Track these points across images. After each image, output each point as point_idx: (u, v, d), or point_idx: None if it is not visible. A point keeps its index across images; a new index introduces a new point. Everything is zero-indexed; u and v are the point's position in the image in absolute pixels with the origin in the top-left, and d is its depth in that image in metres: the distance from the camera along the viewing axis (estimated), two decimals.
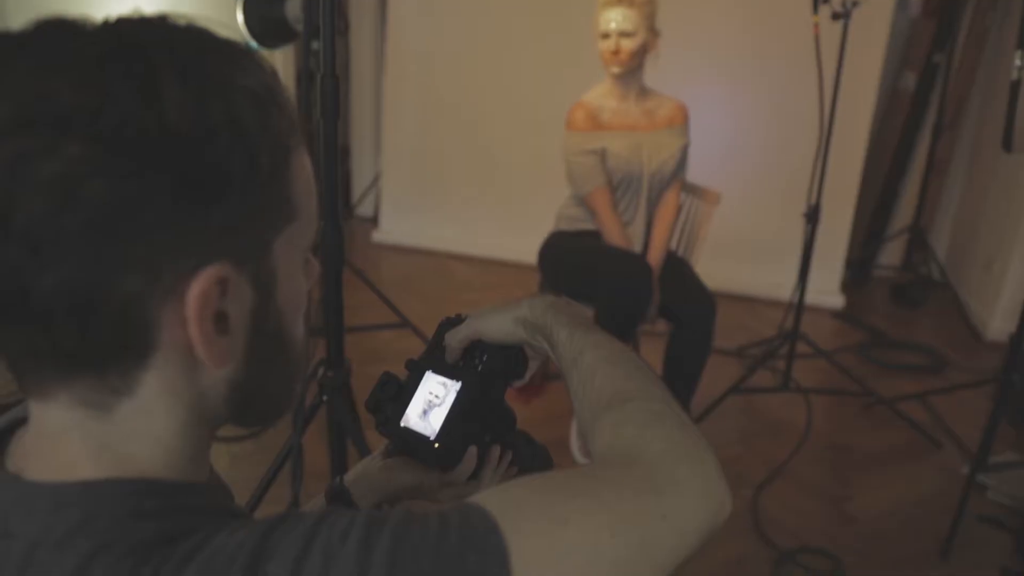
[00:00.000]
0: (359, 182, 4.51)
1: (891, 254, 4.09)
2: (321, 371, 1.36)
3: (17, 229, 0.39)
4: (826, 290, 3.59)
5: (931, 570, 1.90)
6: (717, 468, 0.53)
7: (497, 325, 0.75)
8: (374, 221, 4.26)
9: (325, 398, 1.34)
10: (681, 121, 2.36)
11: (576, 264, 2.32)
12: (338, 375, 1.36)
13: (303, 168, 0.49)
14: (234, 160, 0.44)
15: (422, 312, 2.82)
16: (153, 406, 0.46)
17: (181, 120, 0.41)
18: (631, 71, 2.26)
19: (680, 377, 2.20)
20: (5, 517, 0.45)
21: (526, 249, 2.78)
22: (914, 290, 3.78)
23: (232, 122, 0.43)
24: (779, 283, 3.50)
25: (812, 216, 2.52)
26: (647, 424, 0.56)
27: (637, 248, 2.35)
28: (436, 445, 0.76)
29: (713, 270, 2.47)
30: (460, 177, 3.99)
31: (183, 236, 0.43)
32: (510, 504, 0.47)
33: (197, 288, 0.43)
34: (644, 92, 2.35)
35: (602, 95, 2.34)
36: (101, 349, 0.44)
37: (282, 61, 3.52)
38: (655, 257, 2.29)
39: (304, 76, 2.46)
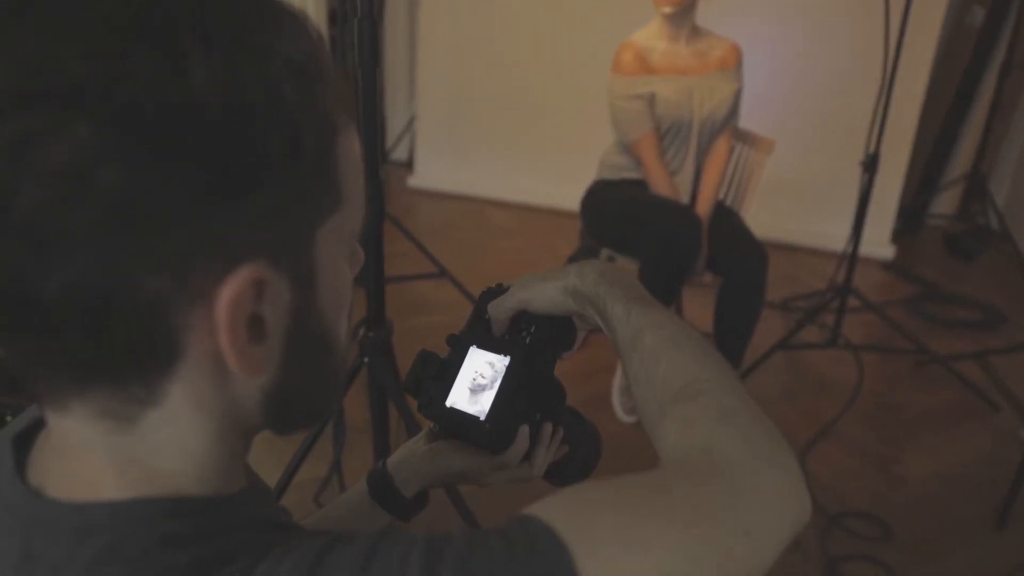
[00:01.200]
0: (393, 125, 4.42)
1: (945, 202, 3.92)
2: (362, 331, 1.32)
3: (16, 223, 0.34)
4: (876, 240, 3.45)
5: (986, 540, 1.84)
6: (798, 471, 0.49)
7: (544, 295, 0.69)
8: (409, 166, 4.19)
9: (366, 359, 1.30)
10: (734, 64, 2.22)
11: (620, 215, 2.23)
12: (379, 335, 1.31)
13: (351, 150, 0.43)
14: (273, 142, 0.37)
15: (459, 260, 2.77)
16: (181, 417, 0.41)
17: (211, 94, 0.35)
18: (684, 11, 2.12)
19: (731, 333, 2.13)
20: (27, 538, 0.41)
21: (565, 195, 2.69)
22: (969, 240, 3.62)
23: (271, 96, 0.37)
24: (826, 232, 3.37)
25: (870, 165, 2.39)
26: (722, 422, 0.51)
27: (685, 199, 2.25)
28: (487, 426, 0.71)
29: (757, 218, 2.36)
30: (498, 120, 3.87)
31: (213, 232, 0.37)
32: (582, 523, 0.41)
33: (229, 293, 0.38)
34: (696, 32, 2.22)
35: (651, 36, 2.20)
36: (119, 359, 0.38)
37: (313, 1, 3.41)
38: (704, 208, 2.19)
39: (339, 17, 2.37)
